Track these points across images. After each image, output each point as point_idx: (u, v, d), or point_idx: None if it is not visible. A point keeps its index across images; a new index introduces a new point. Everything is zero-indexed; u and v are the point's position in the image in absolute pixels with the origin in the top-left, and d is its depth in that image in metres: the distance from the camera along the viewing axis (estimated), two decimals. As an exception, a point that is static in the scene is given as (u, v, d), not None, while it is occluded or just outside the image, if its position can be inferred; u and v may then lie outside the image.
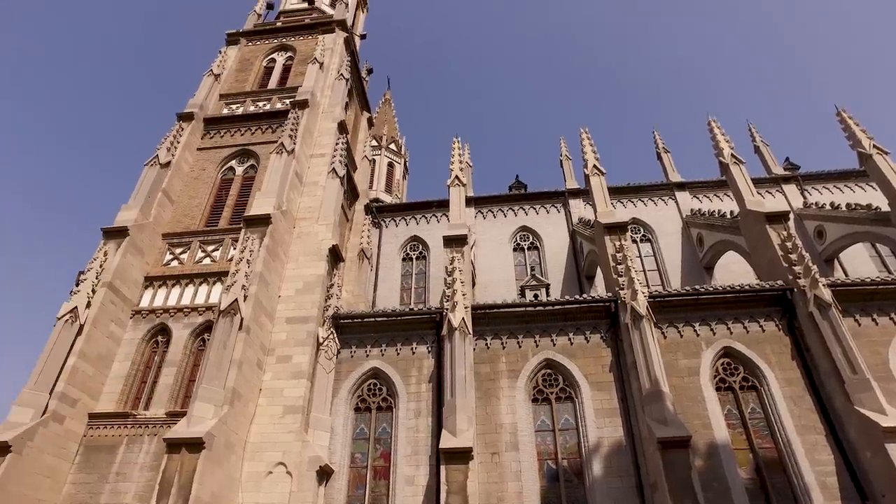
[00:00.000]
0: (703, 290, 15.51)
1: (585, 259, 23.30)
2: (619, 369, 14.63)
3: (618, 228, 17.10)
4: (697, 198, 25.77)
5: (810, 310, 14.20)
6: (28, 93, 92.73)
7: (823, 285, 14.42)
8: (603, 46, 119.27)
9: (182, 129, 21.33)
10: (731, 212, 20.34)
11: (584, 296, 16.82)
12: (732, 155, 19.48)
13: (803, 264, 15.01)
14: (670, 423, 12.25)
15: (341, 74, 24.54)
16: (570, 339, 15.41)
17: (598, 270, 22.50)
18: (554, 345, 15.39)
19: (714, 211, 22.36)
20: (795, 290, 14.82)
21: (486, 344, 15.63)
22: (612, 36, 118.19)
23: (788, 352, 14.48)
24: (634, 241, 24.33)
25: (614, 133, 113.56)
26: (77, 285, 16.05)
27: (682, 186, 25.97)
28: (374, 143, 41.25)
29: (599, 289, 22.30)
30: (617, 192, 25.78)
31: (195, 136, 21.78)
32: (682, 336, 14.95)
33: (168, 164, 19.92)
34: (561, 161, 28.48)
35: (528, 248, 25.72)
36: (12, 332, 75.43)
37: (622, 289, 15.21)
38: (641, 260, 23.60)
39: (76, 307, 15.12)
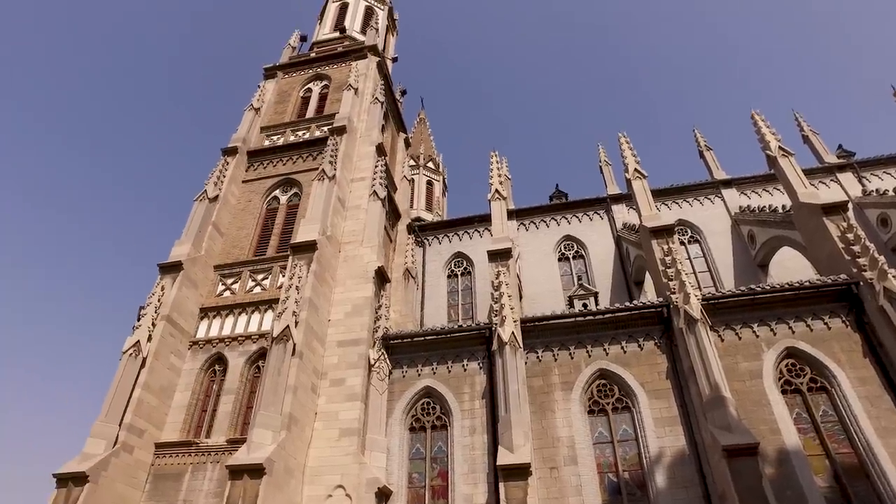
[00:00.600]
0: (759, 288, 14.91)
1: (633, 264, 22.83)
2: (675, 376, 14.19)
3: (664, 231, 16.71)
4: (745, 194, 24.94)
5: (880, 303, 13.41)
6: (89, 142, 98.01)
7: (894, 276, 13.64)
8: (633, 48, 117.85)
9: (227, 164, 22.11)
10: (784, 206, 19.56)
11: (635, 302, 16.45)
12: (780, 147, 18.79)
13: (868, 256, 14.25)
14: (735, 430, 11.75)
15: (376, 98, 25.01)
16: (622, 348, 15.06)
17: (647, 275, 21.98)
18: (607, 354, 15.07)
19: (764, 206, 21.54)
20: (862, 283, 14.06)
21: (538, 357, 15.43)
22: (642, 37, 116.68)
23: (859, 349, 13.69)
24: (682, 242, 23.70)
25: (652, 135, 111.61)
26: (138, 320, 16.77)
27: (728, 184, 25.19)
28: (412, 162, 41.72)
29: (650, 294, 21.77)
30: (660, 195, 25.23)
31: (240, 169, 22.54)
32: (740, 338, 14.39)
33: (216, 198, 20.66)
34: (600, 167, 28.10)
35: (574, 258, 25.40)
36: (84, 366, 79.01)
37: (673, 293, 14.79)
38: (691, 262, 22.92)
39: (138, 341, 15.76)
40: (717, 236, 23.57)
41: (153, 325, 16.42)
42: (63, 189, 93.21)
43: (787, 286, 14.77)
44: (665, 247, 16.20)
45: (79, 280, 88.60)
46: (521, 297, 21.20)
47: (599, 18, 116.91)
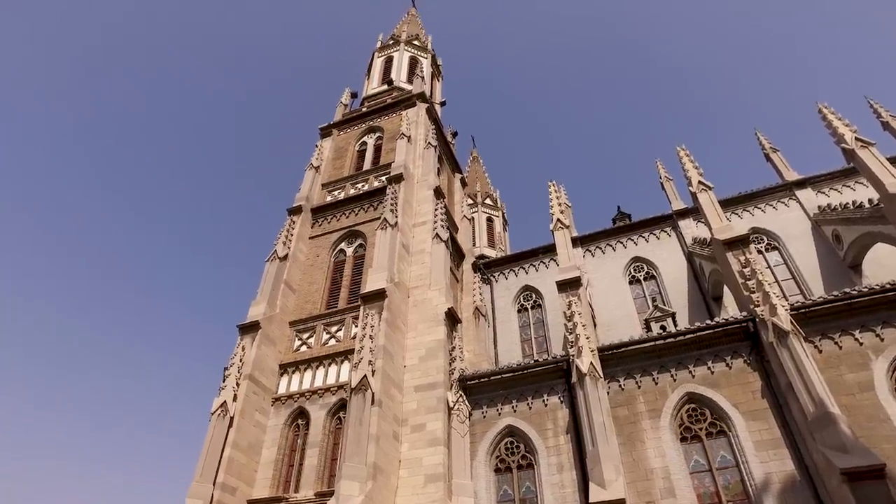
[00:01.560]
0: (855, 292, 13.84)
1: (708, 280, 21.82)
2: (772, 394, 13.26)
3: (739, 242, 15.96)
4: (823, 193, 23.48)
5: None
6: (169, 214, 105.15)
7: None
8: (675, 61, 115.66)
9: (293, 223, 23.07)
10: (870, 200, 18.27)
11: (716, 319, 15.63)
12: (857, 138, 17.67)
13: None
14: (853, 451, 10.73)
15: (429, 143, 25.61)
16: (709, 368, 14.29)
17: (725, 290, 20.93)
18: (693, 376, 14.33)
19: (848, 203, 20.14)
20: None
21: (620, 385, 14.87)
22: (684, 52, 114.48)
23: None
24: (759, 251, 22.48)
25: (710, 143, 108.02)
26: (224, 380, 17.48)
27: (801, 184, 23.83)
28: (470, 201, 42.09)
29: (731, 309, 20.66)
30: (729, 204, 24.19)
31: (305, 226, 23.47)
32: (840, 347, 13.32)
33: (286, 256, 21.52)
34: (661, 184, 27.36)
35: (645, 279, 24.57)
36: (176, 427, 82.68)
37: (757, 305, 13.98)
38: (772, 271, 21.64)
39: (225, 401, 16.39)
40: (796, 241, 22.23)
41: (237, 384, 17.05)
42: (144, 259, 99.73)
43: (888, 286, 13.63)
44: (742, 258, 15.44)
45: (166, 346, 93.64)
46: (595, 326, 20.63)
47: (642, 37, 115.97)
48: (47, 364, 79.09)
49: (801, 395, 12.02)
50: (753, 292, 14.28)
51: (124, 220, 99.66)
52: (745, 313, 14.61)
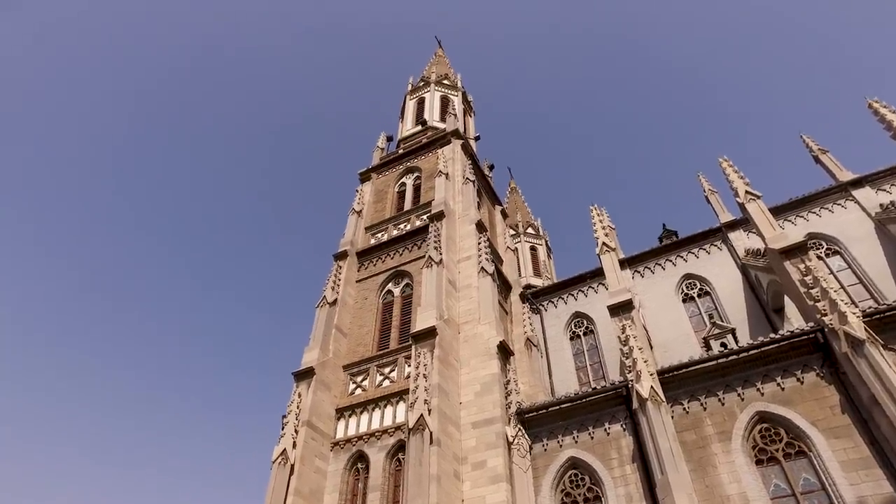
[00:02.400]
0: (931, 293, 13.04)
1: (767, 291, 20.97)
2: (853, 409, 12.47)
3: (796, 250, 15.34)
4: (884, 190, 22.38)
5: None
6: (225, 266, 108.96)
7: None
8: (710, 70, 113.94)
9: (340, 268, 23.53)
10: (937, 194, 17.33)
11: (781, 332, 14.94)
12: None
13: None
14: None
15: (466, 178, 25.90)
16: (779, 385, 13.61)
17: (787, 300, 20.04)
18: (762, 394, 13.67)
19: (912, 198, 19.18)
20: None
21: (684, 408, 14.31)
22: (718, 65, 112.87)
23: None
24: (819, 257, 21.52)
25: (752, 151, 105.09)
26: (282, 428, 17.70)
27: (858, 183, 22.80)
28: (512, 231, 42.06)
29: (795, 321, 19.72)
30: (781, 211, 23.35)
31: (352, 270, 23.90)
32: (925, 353, 12.48)
33: (335, 301, 21.90)
34: (706, 197, 26.72)
35: (699, 296, 23.80)
36: (236, 477, 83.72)
37: (825, 315, 13.30)
38: (836, 277, 20.62)
39: (285, 449, 16.57)
40: (859, 243, 21.19)
41: (296, 431, 17.23)
42: (201, 316, 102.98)
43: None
44: (801, 266, 14.81)
45: (225, 398, 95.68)
46: (651, 348, 20.05)
47: (677, 48, 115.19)
48: (106, 417, 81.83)
49: (888, 409, 11.24)
50: (818, 301, 13.62)
51: (178, 276, 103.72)
52: (811, 324, 13.93)
